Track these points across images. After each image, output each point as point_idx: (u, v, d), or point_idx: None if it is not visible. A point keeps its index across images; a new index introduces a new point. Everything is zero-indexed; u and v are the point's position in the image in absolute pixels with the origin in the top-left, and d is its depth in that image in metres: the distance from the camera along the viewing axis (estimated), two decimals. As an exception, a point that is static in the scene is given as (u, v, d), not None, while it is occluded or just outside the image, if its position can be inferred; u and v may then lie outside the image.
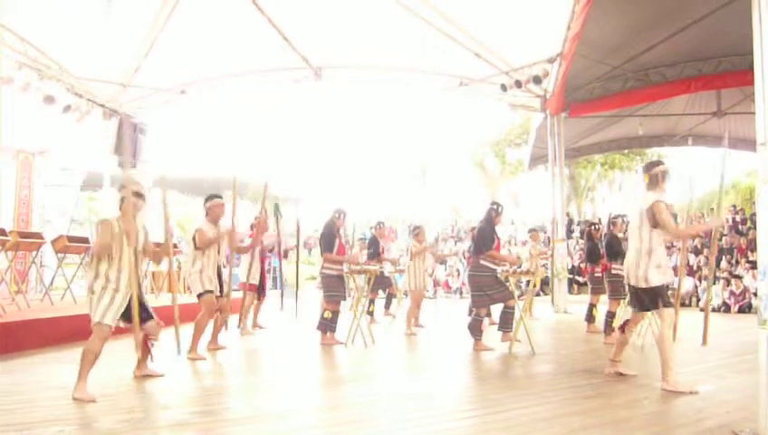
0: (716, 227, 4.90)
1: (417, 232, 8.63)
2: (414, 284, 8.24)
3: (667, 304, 4.41)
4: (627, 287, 4.65)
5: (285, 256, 13.92)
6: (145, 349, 4.58)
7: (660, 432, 3.32)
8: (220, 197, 5.98)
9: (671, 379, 4.26)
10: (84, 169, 13.94)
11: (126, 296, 4.18)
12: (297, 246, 10.87)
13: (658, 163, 4.61)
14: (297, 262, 10.59)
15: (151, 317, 4.45)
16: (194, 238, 5.71)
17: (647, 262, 4.36)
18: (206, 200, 5.91)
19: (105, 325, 4.06)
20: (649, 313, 4.77)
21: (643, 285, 4.38)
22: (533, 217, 20.43)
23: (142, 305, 4.34)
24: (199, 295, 5.74)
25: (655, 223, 4.34)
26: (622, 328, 4.84)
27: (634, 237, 4.49)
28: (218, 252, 5.81)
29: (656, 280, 4.34)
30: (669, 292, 4.52)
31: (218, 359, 5.84)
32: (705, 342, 4.56)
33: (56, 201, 13.02)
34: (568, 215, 19.89)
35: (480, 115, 26.33)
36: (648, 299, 4.42)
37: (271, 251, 8.26)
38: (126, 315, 4.23)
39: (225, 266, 6.21)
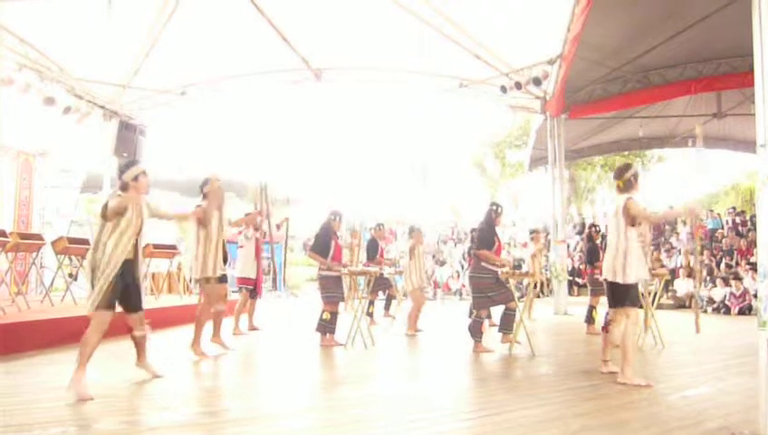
0: (687, 215, 5.35)
1: (413, 233, 8.62)
2: (412, 285, 8.23)
3: (635, 304, 4.71)
4: (603, 284, 4.87)
5: (278, 228, 14.20)
6: (136, 343, 4.61)
7: (659, 434, 3.32)
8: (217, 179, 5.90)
9: (628, 373, 4.51)
10: (84, 170, 13.94)
11: (114, 269, 4.16)
12: (285, 246, 10.99)
13: (628, 167, 4.82)
14: (284, 261, 10.74)
15: (140, 308, 4.49)
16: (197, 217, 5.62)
17: (623, 260, 4.59)
18: (203, 185, 5.81)
19: (98, 314, 4.09)
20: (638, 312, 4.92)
21: (619, 281, 4.59)
22: (534, 219, 20.41)
23: (137, 294, 4.38)
24: (200, 282, 5.75)
25: (631, 221, 4.56)
26: (606, 327, 4.98)
27: (612, 237, 4.71)
28: (220, 229, 5.76)
29: (630, 277, 4.57)
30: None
31: (218, 360, 5.84)
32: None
33: (56, 203, 13.01)
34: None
35: (480, 116, 26.37)
36: (618, 295, 4.64)
37: (257, 229, 8.21)
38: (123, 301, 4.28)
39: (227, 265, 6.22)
